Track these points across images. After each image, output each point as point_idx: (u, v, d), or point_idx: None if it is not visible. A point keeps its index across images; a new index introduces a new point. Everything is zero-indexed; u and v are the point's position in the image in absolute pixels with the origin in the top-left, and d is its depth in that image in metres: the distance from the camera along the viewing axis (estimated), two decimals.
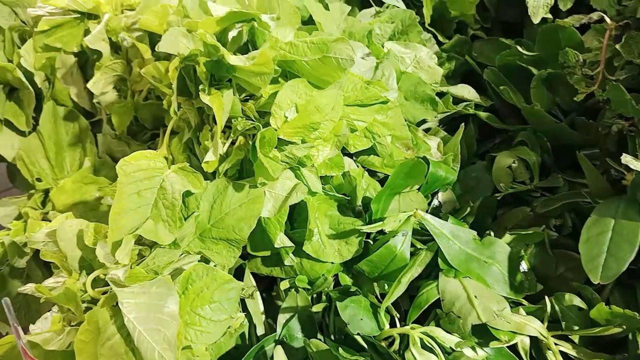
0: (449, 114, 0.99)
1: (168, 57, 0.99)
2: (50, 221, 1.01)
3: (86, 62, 1.13)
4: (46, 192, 1.10)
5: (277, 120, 0.72)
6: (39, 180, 1.08)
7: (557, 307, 0.72)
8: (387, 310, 0.73)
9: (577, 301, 0.73)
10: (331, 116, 0.76)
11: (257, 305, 0.78)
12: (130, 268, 0.63)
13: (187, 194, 0.71)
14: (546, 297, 0.72)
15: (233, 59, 0.66)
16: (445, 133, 0.98)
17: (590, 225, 0.72)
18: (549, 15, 0.92)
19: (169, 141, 0.81)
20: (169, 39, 0.70)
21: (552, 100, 0.94)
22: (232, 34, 0.80)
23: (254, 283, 0.80)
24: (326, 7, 0.94)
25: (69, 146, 1.12)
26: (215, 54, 0.69)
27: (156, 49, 0.71)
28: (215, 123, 0.78)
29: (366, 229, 0.74)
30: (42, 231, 0.75)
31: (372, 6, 1.06)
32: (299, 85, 0.73)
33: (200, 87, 0.71)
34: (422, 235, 0.79)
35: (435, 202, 0.88)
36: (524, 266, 0.76)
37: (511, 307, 0.70)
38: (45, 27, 1.08)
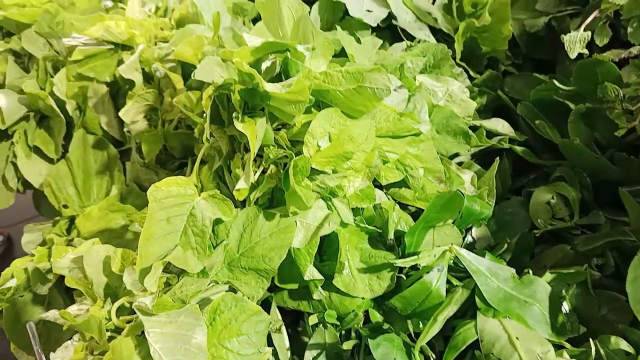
0: (482, 148, 0.97)
1: (200, 87, 1.00)
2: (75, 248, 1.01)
3: (118, 91, 1.14)
4: (72, 219, 1.10)
5: (310, 149, 0.71)
6: (65, 207, 1.08)
7: (602, 351, 0.68)
8: (422, 351, 0.69)
9: (624, 345, 0.68)
10: (364, 147, 0.74)
11: (283, 341, 0.75)
12: (158, 296, 0.61)
13: (217, 221, 0.69)
14: (591, 340, 0.68)
15: (269, 87, 0.65)
16: (479, 167, 0.96)
17: (638, 264, 0.69)
18: (585, 51, 0.90)
19: (199, 169, 0.80)
20: (205, 68, 0.70)
21: (590, 135, 0.92)
22: (265, 64, 0.80)
23: (280, 317, 0.77)
24: (358, 41, 0.94)
25: (97, 174, 1.12)
26: (250, 82, 0.69)
27: (192, 77, 0.71)
28: (247, 151, 0.77)
29: (399, 263, 0.71)
30: (68, 256, 0.74)
31: (403, 40, 1.06)
32: (332, 115, 0.72)
33: (234, 114, 0.71)
34: (457, 271, 0.76)
35: (469, 238, 0.85)
36: (565, 307, 0.72)
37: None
38: (79, 57, 1.10)
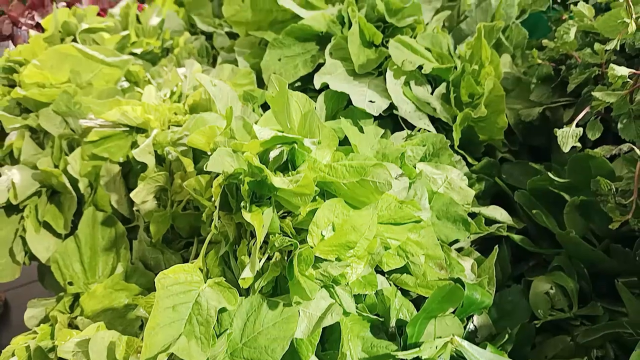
0: (481, 235, 0.99)
1: (209, 171, 1.04)
2: (77, 327, 1.01)
3: (129, 171, 1.19)
4: (76, 296, 1.11)
5: (314, 238, 0.73)
6: (70, 284, 1.09)
7: None
8: None
9: None
10: (366, 235, 0.77)
11: None
12: None
13: (222, 309, 0.71)
14: None
15: (277, 182, 0.69)
16: (479, 254, 0.98)
17: (637, 359, 0.69)
18: (578, 144, 0.95)
19: (205, 253, 0.82)
20: (217, 159, 0.74)
21: (586, 226, 0.94)
22: (274, 153, 0.84)
23: None
24: (361, 130, 0.99)
25: (103, 250, 1.14)
26: (259, 174, 0.72)
27: (205, 168, 0.75)
28: (253, 237, 0.80)
29: (402, 355, 0.72)
30: (72, 340, 0.75)
31: (403, 129, 1.12)
32: (336, 205, 0.75)
33: (242, 204, 0.74)
34: None
35: (470, 326, 0.86)
36: None
37: None
38: (95, 137, 1.15)
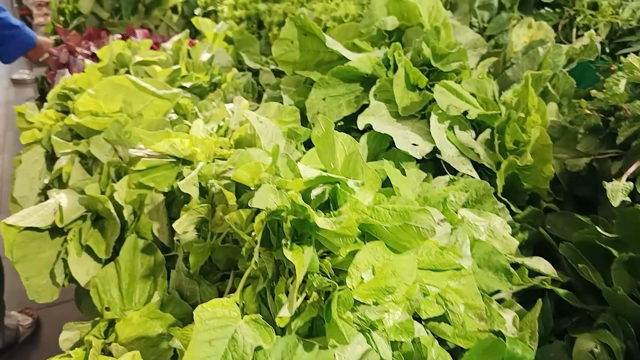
0: (524, 287, 0.96)
1: (249, 205, 1.06)
2: (111, 353, 1.02)
3: (172, 201, 1.21)
4: (111, 322, 1.12)
5: (353, 281, 0.73)
6: (107, 309, 1.11)
7: None
8: None
9: None
10: (406, 280, 0.76)
11: None
12: None
13: (257, 347, 0.70)
14: None
15: (320, 222, 0.69)
16: (520, 307, 0.95)
17: None
18: (627, 199, 0.92)
19: (243, 288, 0.83)
20: (261, 196, 0.75)
21: (634, 284, 0.91)
22: (316, 191, 0.84)
23: None
24: (403, 172, 0.99)
25: (141, 278, 1.15)
26: (302, 213, 0.73)
27: (249, 204, 0.76)
28: (290, 275, 0.79)
29: None
30: None
31: (445, 173, 1.11)
32: (377, 248, 0.74)
33: (283, 241, 0.74)
34: None
35: None
36: None
37: None
38: (143, 167, 1.19)
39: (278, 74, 2.07)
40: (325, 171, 0.92)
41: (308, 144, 1.29)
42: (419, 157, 1.07)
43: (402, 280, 0.74)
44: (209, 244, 1.04)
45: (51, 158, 1.67)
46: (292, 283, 0.79)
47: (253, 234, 0.88)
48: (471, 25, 1.72)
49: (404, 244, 0.76)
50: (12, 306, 2.74)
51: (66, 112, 1.79)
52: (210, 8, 2.84)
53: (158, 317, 1.05)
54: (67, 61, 2.51)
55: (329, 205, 0.85)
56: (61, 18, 3.09)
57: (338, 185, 0.82)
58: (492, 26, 1.66)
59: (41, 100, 2.89)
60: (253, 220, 0.99)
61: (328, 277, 0.75)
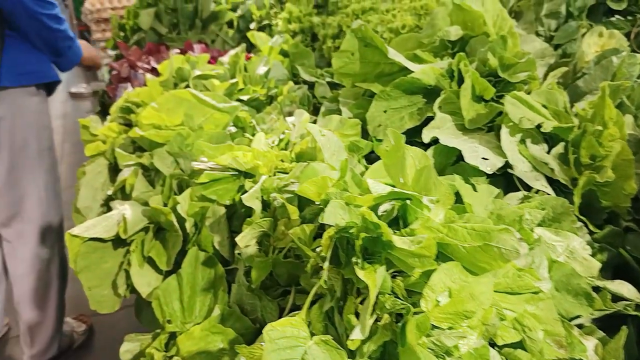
0: (606, 312, 0.90)
1: (312, 220, 1.03)
2: None
3: (233, 214, 1.21)
4: (172, 334, 1.12)
5: (428, 303, 0.69)
6: (169, 322, 1.11)
7: None
8: None
9: None
10: (483, 304, 0.71)
11: None
12: None
13: None
14: None
15: (397, 241, 0.66)
16: (603, 333, 0.88)
17: None
18: None
19: (309, 306, 0.80)
20: (332, 212, 0.73)
21: None
22: (384, 207, 0.81)
23: None
24: (474, 188, 0.94)
25: (201, 291, 1.15)
26: (375, 231, 0.70)
27: (320, 221, 0.74)
28: (359, 295, 0.76)
29: None
30: None
31: (516, 190, 1.05)
32: (453, 269, 0.70)
33: (354, 259, 0.72)
34: None
35: None
36: None
37: None
38: (205, 180, 1.19)
39: (333, 86, 2.06)
40: (393, 186, 0.89)
41: (369, 158, 1.26)
42: (490, 172, 1.02)
43: (479, 304, 0.70)
44: (270, 258, 1.02)
45: (114, 169, 1.72)
46: (361, 303, 0.76)
47: (318, 249, 0.86)
48: (537, 34, 1.66)
49: (482, 265, 0.71)
50: (67, 312, 2.83)
51: (128, 124, 1.84)
52: (265, 22, 2.87)
53: (219, 332, 1.04)
54: (128, 75, 2.60)
55: (397, 221, 0.82)
56: (121, 33, 3.21)
57: (408, 201, 0.79)
58: (560, 35, 1.58)
59: (102, 112, 3.01)
60: (317, 236, 0.97)
61: (400, 299, 0.72)
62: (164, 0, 2.98)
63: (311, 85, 2.06)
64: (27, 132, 2.04)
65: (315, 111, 1.96)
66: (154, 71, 2.47)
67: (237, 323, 1.07)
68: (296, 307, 1.02)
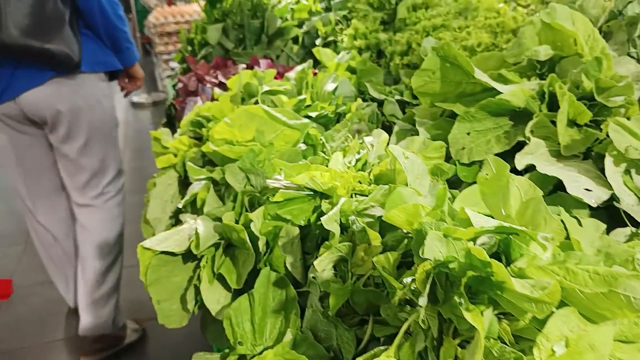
0: None
1: (395, 247, 0.98)
2: None
3: (307, 235, 1.17)
4: (241, 356, 1.09)
5: (542, 353, 0.62)
6: (240, 343, 1.08)
7: None
8: None
9: None
10: (603, 355, 0.63)
11: None
12: None
13: None
14: None
15: (517, 286, 0.60)
16: None
17: None
18: None
19: (399, 344, 0.75)
20: (431, 245, 0.68)
21: None
22: (482, 239, 0.75)
23: None
24: (579, 223, 0.87)
25: (272, 313, 1.12)
26: (483, 269, 0.64)
27: (420, 255, 0.68)
28: (456, 336, 0.70)
29: None
30: None
31: (620, 224, 0.96)
32: (571, 316, 0.63)
33: (456, 298, 0.66)
34: None
35: None
36: None
37: None
38: (280, 198, 1.16)
39: (402, 104, 2.01)
40: (490, 215, 0.82)
41: (450, 183, 1.20)
42: (594, 205, 0.94)
43: (599, 357, 0.62)
44: (349, 285, 0.97)
45: (183, 182, 1.73)
46: (460, 346, 0.70)
47: (405, 281, 0.80)
48: (629, 56, 1.55)
49: (602, 312, 0.64)
50: (124, 317, 2.92)
51: (198, 138, 1.86)
52: (330, 38, 2.86)
53: (293, 358, 1.00)
54: (196, 89, 2.64)
55: (498, 256, 0.76)
56: (189, 47, 3.28)
57: (511, 235, 0.73)
58: None
59: (168, 124, 3.07)
60: (400, 265, 0.92)
61: (507, 345, 0.65)
62: (231, 16, 3.03)
63: (380, 103, 2.02)
64: (99, 110, 2.44)
65: (383, 129, 1.91)
66: (222, 85, 2.50)
67: (310, 350, 1.03)
68: (374, 338, 0.97)
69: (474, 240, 0.75)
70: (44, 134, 2.44)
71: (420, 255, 0.67)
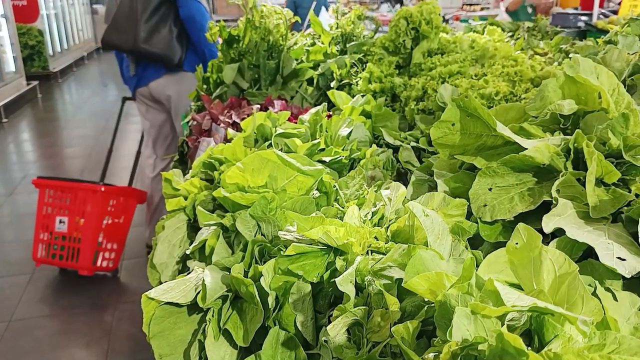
0: None
1: (415, 313, 0.92)
2: None
3: (319, 292, 1.12)
4: None
5: None
6: None
7: None
8: None
9: None
10: None
11: None
12: None
13: None
14: None
15: None
16: None
17: None
18: None
19: None
20: (459, 325, 0.62)
21: None
22: (512, 315, 0.69)
23: None
24: (614, 297, 0.80)
25: None
26: (518, 357, 0.58)
27: (447, 336, 0.63)
28: None
29: None
30: None
31: None
32: None
33: None
34: None
35: None
36: None
37: None
38: (292, 252, 1.11)
39: (417, 150, 1.97)
40: (518, 286, 0.76)
41: (471, 242, 1.14)
42: (629, 276, 0.87)
43: None
44: (364, 354, 0.91)
45: (193, 226, 1.68)
46: None
47: (428, 357, 0.74)
48: None
49: None
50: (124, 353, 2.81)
51: (210, 180, 1.82)
52: (345, 81, 2.86)
53: None
54: (210, 127, 2.62)
55: (529, 335, 0.70)
56: (204, 86, 3.29)
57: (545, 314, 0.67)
58: None
59: (180, 162, 3.05)
60: (421, 335, 0.85)
61: None
62: (247, 56, 3.05)
63: (394, 149, 1.98)
64: (184, 98, 3.79)
65: (398, 176, 1.87)
66: (235, 125, 2.48)
67: None
68: None
69: (503, 316, 0.70)
70: (165, 109, 4.17)
71: (449, 338, 0.61)
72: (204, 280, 1.23)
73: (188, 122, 3.28)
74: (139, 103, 4.23)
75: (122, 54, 4.03)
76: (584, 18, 6.32)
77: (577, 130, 1.16)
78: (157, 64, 3.82)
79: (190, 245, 1.53)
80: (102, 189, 4.04)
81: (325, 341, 1.01)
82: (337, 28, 3.40)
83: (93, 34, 18.66)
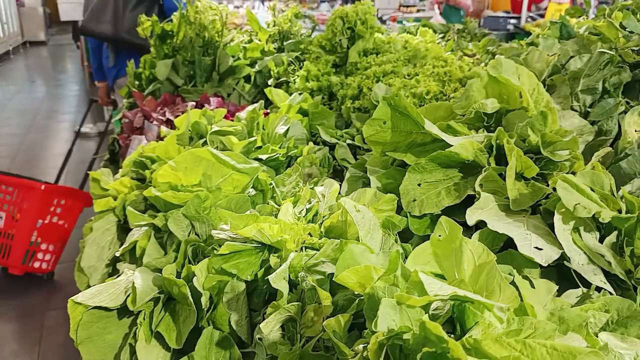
0: None
1: (346, 306, 0.93)
2: None
3: (254, 290, 1.11)
4: None
5: None
6: None
7: None
8: None
9: None
10: None
11: None
12: None
13: None
14: None
15: None
16: None
17: None
18: None
19: None
20: (385, 316, 0.64)
21: None
22: (436, 304, 0.72)
23: None
24: (531, 284, 0.85)
25: None
26: (439, 345, 0.60)
27: (373, 328, 0.64)
28: None
29: None
30: None
31: (569, 282, 0.96)
32: None
33: None
34: None
35: None
36: None
37: None
38: (226, 251, 1.10)
39: (353, 148, 2.00)
40: (441, 276, 0.80)
41: (402, 235, 1.17)
42: (545, 265, 0.93)
43: None
44: (298, 349, 0.91)
45: (123, 227, 1.63)
46: None
47: (357, 348, 0.76)
48: (572, 109, 1.60)
49: None
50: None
51: (141, 179, 1.77)
52: (283, 79, 2.85)
53: None
54: (142, 125, 2.54)
55: (453, 324, 0.73)
56: (137, 82, 3.19)
57: (466, 302, 0.70)
58: (597, 111, 1.53)
59: (111, 161, 2.94)
60: (353, 328, 0.87)
61: None
62: (181, 52, 2.98)
63: (331, 147, 2.00)
64: None
65: (334, 173, 1.89)
66: (169, 123, 2.42)
67: None
68: None
69: (427, 306, 0.72)
70: None
71: (375, 329, 0.63)
72: (134, 282, 1.19)
73: (120, 120, 3.16)
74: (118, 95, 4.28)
75: (99, 46, 4.03)
76: (513, 21, 6.65)
77: (499, 127, 1.22)
78: (138, 55, 3.74)
79: (120, 247, 1.47)
80: (42, 187, 3.81)
81: (259, 339, 1.01)
82: (274, 25, 3.39)
83: (19, 27, 17.53)
